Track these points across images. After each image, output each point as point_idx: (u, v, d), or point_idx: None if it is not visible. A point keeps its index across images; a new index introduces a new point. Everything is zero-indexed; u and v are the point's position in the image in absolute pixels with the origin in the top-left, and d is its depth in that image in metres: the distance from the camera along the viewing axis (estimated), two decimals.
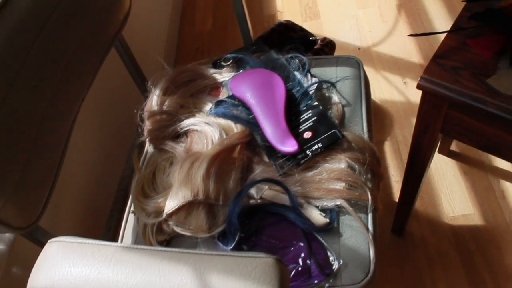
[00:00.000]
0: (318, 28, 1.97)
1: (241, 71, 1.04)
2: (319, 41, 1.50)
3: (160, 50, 1.83)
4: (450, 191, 1.48)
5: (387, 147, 1.61)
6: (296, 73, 1.00)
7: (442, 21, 1.92)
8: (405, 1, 2.02)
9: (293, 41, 1.61)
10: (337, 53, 1.81)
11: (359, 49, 1.87)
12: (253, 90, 0.94)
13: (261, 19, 2.06)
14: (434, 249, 1.38)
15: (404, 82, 1.76)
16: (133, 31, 1.49)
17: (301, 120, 0.93)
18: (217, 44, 2.01)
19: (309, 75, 0.99)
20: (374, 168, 0.91)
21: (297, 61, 1.02)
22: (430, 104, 0.92)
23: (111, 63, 1.19)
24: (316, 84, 0.97)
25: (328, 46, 1.50)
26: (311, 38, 1.58)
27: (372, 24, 1.96)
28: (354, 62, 1.07)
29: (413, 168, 1.11)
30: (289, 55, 1.03)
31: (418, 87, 0.88)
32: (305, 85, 0.97)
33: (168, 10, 1.99)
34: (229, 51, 1.15)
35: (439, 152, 1.55)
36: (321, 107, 0.93)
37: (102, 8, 0.90)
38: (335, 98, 0.99)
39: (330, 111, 0.97)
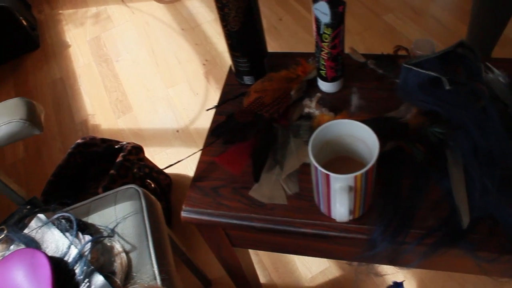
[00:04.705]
0: (133, 121, 1.88)
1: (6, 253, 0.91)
2: (121, 153, 1.41)
3: None
4: None
5: None
6: (67, 234, 0.90)
7: None
8: (210, 67, 2.01)
9: (99, 155, 1.51)
10: (156, 142, 1.75)
11: (177, 131, 1.80)
12: (14, 281, 0.82)
13: (73, 129, 1.93)
14: None
15: None
16: None
17: None
18: (34, 170, 1.84)
19: (80, 234, 0.89)
20: None
21: (63, 221, 0.91)
22: (208, 230, 0.86)
23: None
24: (90, 243, 0.88)
25: (132, 153, 1.42)
26: (116, 147, 1.49)
27: (184, 101, 1.92)
28: (134, 193, 0.99)
29: (235, 277, 1.05)
30: (56, 215, 0.93)
31: (183, 220, 0.82)
32: (78, 247, 0.87)
33: None
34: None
35: None
36: (96, 273, 0.83)
37: None
38: (117, 246, 0.90)
39: (115, 265, 0.88)
